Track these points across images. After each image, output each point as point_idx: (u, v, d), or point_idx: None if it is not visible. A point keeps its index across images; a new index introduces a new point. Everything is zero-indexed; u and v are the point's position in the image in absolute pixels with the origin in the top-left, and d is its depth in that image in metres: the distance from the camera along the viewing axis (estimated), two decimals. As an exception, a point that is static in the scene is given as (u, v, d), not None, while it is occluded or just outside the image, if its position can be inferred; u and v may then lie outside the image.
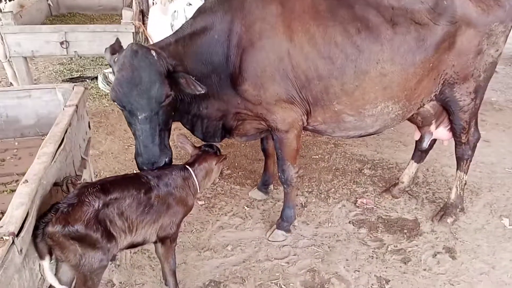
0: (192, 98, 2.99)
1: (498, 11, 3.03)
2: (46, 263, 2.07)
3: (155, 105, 2.51)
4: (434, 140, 3.84)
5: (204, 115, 3.10)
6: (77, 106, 2.98)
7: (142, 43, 7.18)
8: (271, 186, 4.04)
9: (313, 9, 2.90)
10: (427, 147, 3.76)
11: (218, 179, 2.94)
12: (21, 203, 1.89)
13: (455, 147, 3.58)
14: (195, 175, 2.65)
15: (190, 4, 5.24)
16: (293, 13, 2.88)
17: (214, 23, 2.89)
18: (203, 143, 3.00)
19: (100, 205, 2.17)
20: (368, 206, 3.89)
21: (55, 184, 2.45)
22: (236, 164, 4.55)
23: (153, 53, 2.54)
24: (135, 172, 2.64)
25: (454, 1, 2.94)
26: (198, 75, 2.80)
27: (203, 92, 2.61)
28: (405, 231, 3.57)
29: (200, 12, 3.00)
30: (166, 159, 2.67)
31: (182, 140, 2.83)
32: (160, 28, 5.33)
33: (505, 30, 3.11)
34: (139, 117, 2.52)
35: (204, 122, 3.14)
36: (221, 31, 2.88)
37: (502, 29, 3.08)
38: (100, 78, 6.52)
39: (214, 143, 2.90)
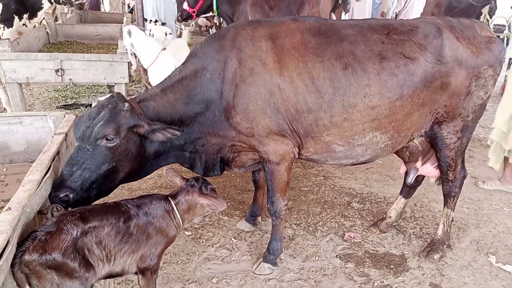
0: (186, 139, 3.07)
1: (487, 54, 3.11)
2: None
3: (92, 140, 2.65)
4: (423, 176, 3.88)
5: (201, 151, 3.16)
6: (66, 134, 3.00)
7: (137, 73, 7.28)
8: (259, 218, 4.04)
9: (303, 46, 2.99)
10: (412, 182, 3.79)
11: (212, 215, 2.85)
12: (2, 231, 1.88)
13: (442, 184, 3.61)
14: (177, 208, 2.65)
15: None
16: (283, 49, 2.97)
17: (206, 64, 3.00)
18: (195, 175, 3.00)
19: (79, 234, 2.17)
20: (355, 240, 3.88)
21: (40, 212, 2.44)
22: (225, 194, 4.55)
23: (126, 104, 2.73)
24: (120, 200, 2.62)
25: (443, 42, 3.02)
26: (191, 115, 3.01)
27: (180, 134, 2.79)
28: (392, 266, 3.55)
29: (191, 56, 3.12)
30: (61, 195, 2.63)
31: (171, 174, 2.83)
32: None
33: (494, 74, 3.18)
34: (75, 145, 2.73)
35: (202, 158, 3.19)
36: (214, 70, 2.98)
37: (491, 73, 3.15)
38: (94, 105, 6.57)
39: (202, 177, 2.89)
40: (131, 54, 5.52)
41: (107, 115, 2.66)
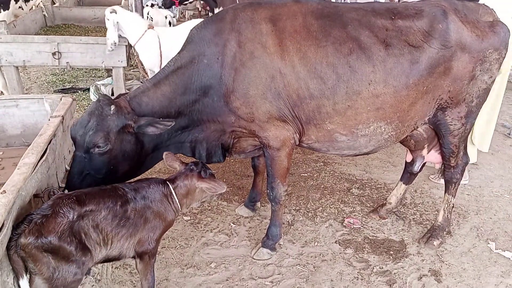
0: (185, 129, 3.05)
1: (492, 38, 3.03)
2: (23, 282, 2.02)
3: (85, 149, 2.69)
4: (424, 163, 3.84)
5: (201, 138, 3.13)
6: (63, 117, 2.96)
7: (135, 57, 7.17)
8: (259, 203, 4.01)
9: (305, 29, 2.91)
10: (418, 170, 3.75)
11: (211, 200, 2.80)
12: (-3, 214, 1.85)
13: (444, 171, 3.57)
14: (175, 192, 2.61)
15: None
16: (284, 32, 2.89)
17: (203, 49, 2.93)
18: (192, 160, 2.96)
19: (75, 217, 2.14)
20: (355, 226, 3.86)
21: (36, 195, 2.41)
22: (225, 180, 4.53)
23: (112, 107, 2.71)
24: (117, 183, 2.59)
25: (448, 26, 2.95)
26: (189, 104, 2.97)
27: (172, 124, 2.75)
28: (391, 252, 3.54)
29: (187, 43, 3.05)
30: None
31: (170, 158, 2.78)
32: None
33: (499, 57, 3.10)
34: (74, 153, 2.78)
35: (203, 145, 3.16)
36: (211, 55, 2.91)
37: (496, 56, 3.08)
38: (92, 89, 6.52)
39: (201, 162, 2.85)
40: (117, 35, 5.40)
41: (95, 123, 2.67)
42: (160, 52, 5.34)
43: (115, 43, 5.31)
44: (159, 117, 2.88)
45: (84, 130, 2.67)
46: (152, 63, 5.48)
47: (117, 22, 5.31)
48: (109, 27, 5.33)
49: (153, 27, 5.53)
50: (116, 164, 2.77)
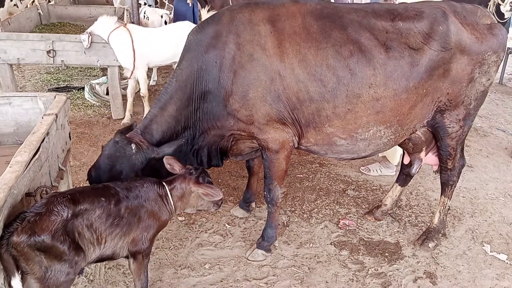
0: (189, 142, 3.07)
1: (491, 40, 3.03)
2: (15, 281, 1.98)
3: None
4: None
5: (203, 145, 3.14)
6: (56, 115, 2.92)
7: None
8: (253, 204, 3.99)
9: (305, 31, 2.88)
10: (416, 173, 3.75)
11: (208, 210, 2.77)
12: (-13, 212, 1.82)
13: (441, 173, 3.56)
14: (171, 194, 2.59)
15: None
16: (283, 33, 2.86)
17: (201, 55, 2.91)
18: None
19: (69, 216, 2.11)
20: (350, 228, 3.85)
21: (28, 194, 2.37)
22: (220, 180, 4.50)
23: (133, 146, 2.73)
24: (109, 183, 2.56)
25: (449, 28, 2.93)
26: (191, 115, 3.00)
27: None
28: (387, 254, 3.53)
29: (185, 51, 3.03)
30: None
31: (171, 161, 2.76)
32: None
33: (497, 60, 3.10)
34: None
35: (204, 152, 3.16)
36: (209, 59, 2.89)
37: (495, 59, 3.08)
38: (86, 88, 6.48)
39: (202, 167, 2.82)
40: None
41: (122, 165, 2.70)
42: (133, 49, 5.30)
43: (84, 39, 5.28)
44: (169, 138, 2.93)
45: (110, 174, 2.68)
46: (124, 60, 5.44)
47: (91, 31, 5.32)
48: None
49: (125, 25, 5.48)
50: None
